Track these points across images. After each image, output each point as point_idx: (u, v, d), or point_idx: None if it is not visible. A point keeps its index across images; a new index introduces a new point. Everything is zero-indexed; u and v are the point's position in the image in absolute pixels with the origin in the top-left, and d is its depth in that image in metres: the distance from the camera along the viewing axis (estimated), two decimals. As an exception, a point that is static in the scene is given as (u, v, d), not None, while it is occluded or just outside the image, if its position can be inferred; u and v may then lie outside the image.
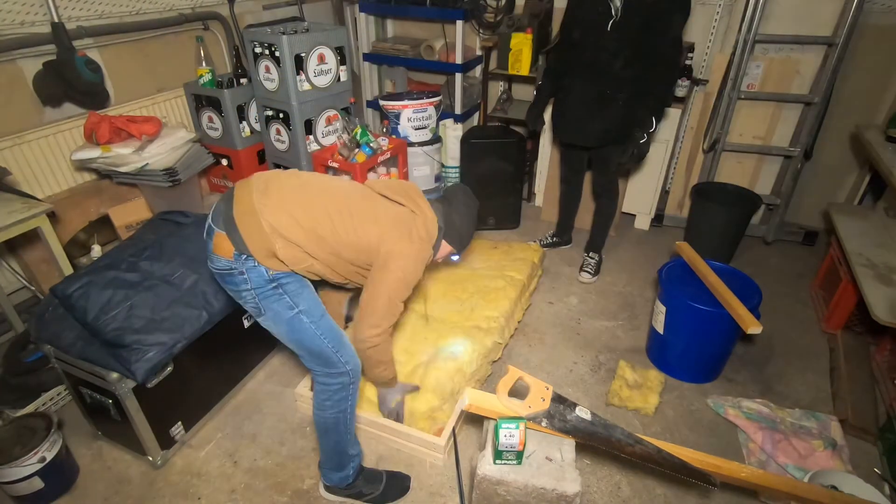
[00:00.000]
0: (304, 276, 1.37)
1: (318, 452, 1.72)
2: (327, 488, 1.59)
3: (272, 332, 1.39)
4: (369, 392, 1.77)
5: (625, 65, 2.06)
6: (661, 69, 2.06)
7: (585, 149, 2.41)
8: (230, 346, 1.89)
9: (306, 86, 2.34)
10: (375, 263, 1.38)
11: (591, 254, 2.68)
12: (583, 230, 2.88)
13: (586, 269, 2.64)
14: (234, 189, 1.34)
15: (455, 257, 1.62)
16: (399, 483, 1.64)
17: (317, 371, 1.41)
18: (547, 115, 2.53)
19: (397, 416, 1.72)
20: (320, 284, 1.58)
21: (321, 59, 2.35)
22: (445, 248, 1.54)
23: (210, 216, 1.33)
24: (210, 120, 2.57)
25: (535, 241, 2.80)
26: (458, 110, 3.25)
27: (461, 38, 3.04)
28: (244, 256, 1.27)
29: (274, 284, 1.31)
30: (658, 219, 3.12)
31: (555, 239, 2.90)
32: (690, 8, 2.00)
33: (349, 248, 1.35)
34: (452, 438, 1.71)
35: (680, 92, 2.71)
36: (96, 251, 2.23)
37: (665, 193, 3.22)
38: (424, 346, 1.94)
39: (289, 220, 1.28)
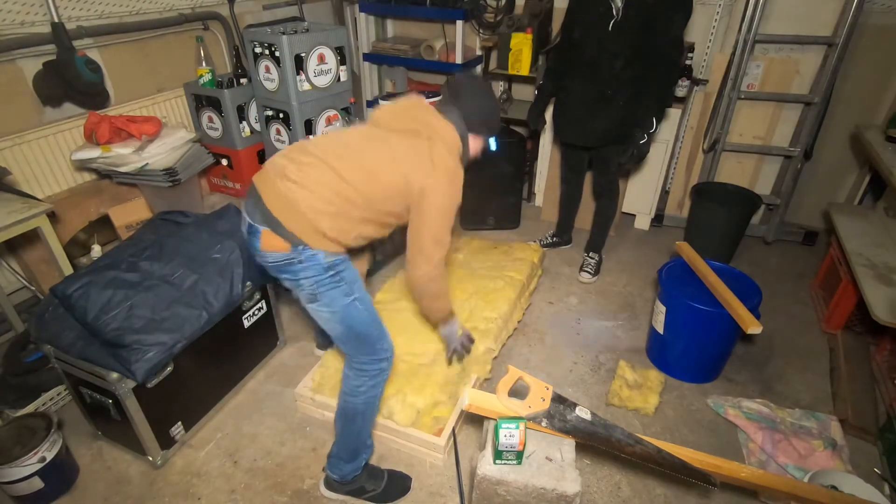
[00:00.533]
0: (356, 246, 1.40)
1: (317, 453, 1.71)
2: (329, 485, 1.59)
3: (318, 317, 1.41)
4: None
5: (625, 65, 2.05)
6: (661, 69, 2.06)
7: (586, 149, 2.41)
8: (230, 346, 1.89)
9: (306, 86, 2.34)
10: (412, 203, 1.38)
11: (591, 254, 2.68)
12: (583, 230, 2.88)
13: (586, 269, 2.64)
14: (255, 184, 1.36)
15: (492, 145, 1.60)
16: (400, 483, 1.64)
17: (358, 357, 1.44)
18: (548, 115, 2.53)
19: (466, 345, 1.76)
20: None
21: (321, 59, 2.35)
22: (476, 143, 1.52)
23: (246, 216, 1.36)
24: (210, 120, 2.57)
25: (535, 241, 2.80)
26: (458, 110, 3.24)
27: (461, 38, 3.04)
28: (300, 247, 1.30)
29: (332, 272, 1.34)
30: (658, 219, 3.12)
31: (555, 239, 2.90)
32: (692, 8, 2.00)
33: (383, 201, 1.36)
34: (452, 438, 1.71)
35: (680, 92, 2.71)
36: (96, 251, 2.23)
37: (665, 193, 3.22)
38: (426, 347, 1.94)
39: (319, 196, 1.29)
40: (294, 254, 1.30)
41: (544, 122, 2.55)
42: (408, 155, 1.36)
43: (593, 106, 2.18)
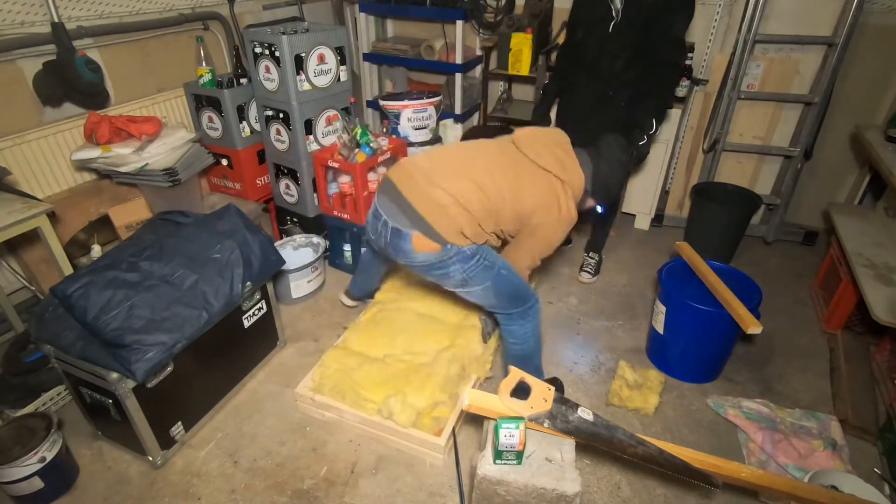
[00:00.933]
0: None
1: (317, 453, 1.72)
2: None
3: (472, 297, 1.58)
4: (367, 392, 1.77)
5: (626, 66, 2.06)
6: (662, 71, 2.06)
7: None
8: (230, 346, 1.89)
9: (306, 86, 2.33)
10: (524, 230, 1.58)
11: (591, 254, 2.68)
12: (583, 231, 2.89)
13: (586, 269, 2.64)
14: (397, 186, 1.50)
15: (599, 209, 1.75)
16: (559, 384, 1.90)
17: (515, 312, 1.61)
18: (551, 114, 2.55)
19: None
20: None
21: (321, 59, 2.35)
22: (589, 201, 1.70)
23: (388, 219, 1.50)
24: (210, 120, 2.57)
25: None
26: (458, 110, 3.25)
27: (461, 38, 3.04)
28: (449, 245, 1.46)
29: (477, 257, 1.51)
30: (658, 219, 3.12)
31: None
32: (693, 10, 2.00)
33: (509, 222, 1.55)
34: (452, 438, 1.71)
35: (680, 92, 2.71)
36: (96, 251, 2.22)
37: (665, 193, 3.22)
38: (426, 346, 1.95)
39: (465, 206, 1.45)
40: (443, 253, 1.47)
41: (549, 122, 2.57)
42: (544, 191, 1.53)
43: (595, 106, 2.19)
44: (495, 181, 1.49)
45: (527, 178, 1.52)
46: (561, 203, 1.52)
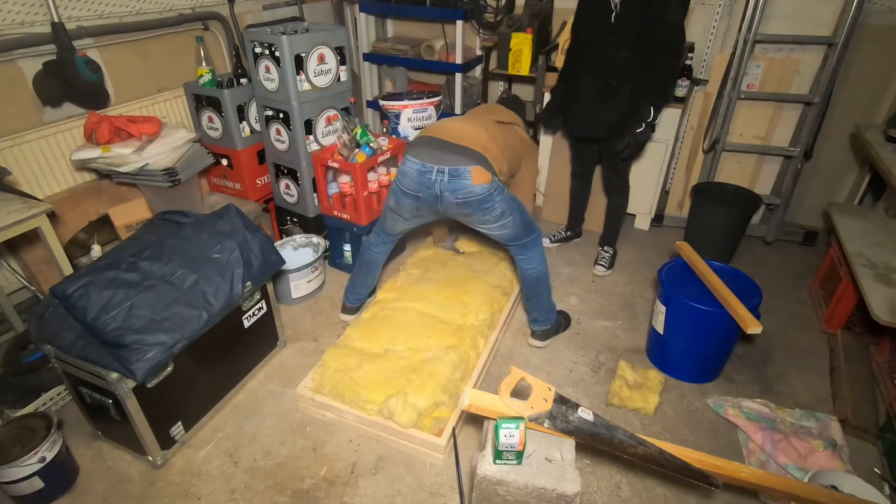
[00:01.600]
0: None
1: (317, 453, 1.72)
2: (541, 335, 2.17)
3: (504, 228, 1.86)
4: (367, 392, 1.77)
5: (629, 56, 2.10)
6: (661, 58, 2.09)
7: (596, 142, 2.45)
8: (230, 346, 1.89)
9: (306, 86, 2.33)
10: (521, 168, 2.13)
11: (605, 248, 2.71)
12: (596, 224, 2.92)
13: (601, 262, 2.67)
14: (434, 135, 1.81)
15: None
16: (567, 315, 2.31)
17: (528, 239, 1.93)
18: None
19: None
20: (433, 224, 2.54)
21: (321, 59, 2.35)
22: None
23: (442, 165, 1.72)
24: (210, 120, 2.57)
25: (544, 238, 2.88)
26: (458, 110, 3.25)
27: (461, 38, 3.04)
28: (495, 178, 1.75)
29: (506, 191, 1.82)
30: (658, 219, 3.12)
31: (567, 233, 2.94)
32: None
33: (516, 159, 2.03)
34: (452, 438, 1.71)
35: (680, 92, 2.72)
36: (96, 251, 2.22)
37: (665, 193, 3.22)
38: (428, 342, 1.95)
39: (483, 138, 1.82)
40: (493, 184, 1.74)
41: (559, 123, 2.59)
42: (516, 136, 2.09)
43: (601, 98, 2.22)
44: (493, 130, 1.89)
45: (507, 130, 2.03)
46: (527, 137, 2.20)
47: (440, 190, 1.75)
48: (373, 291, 2.37)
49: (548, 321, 2.14)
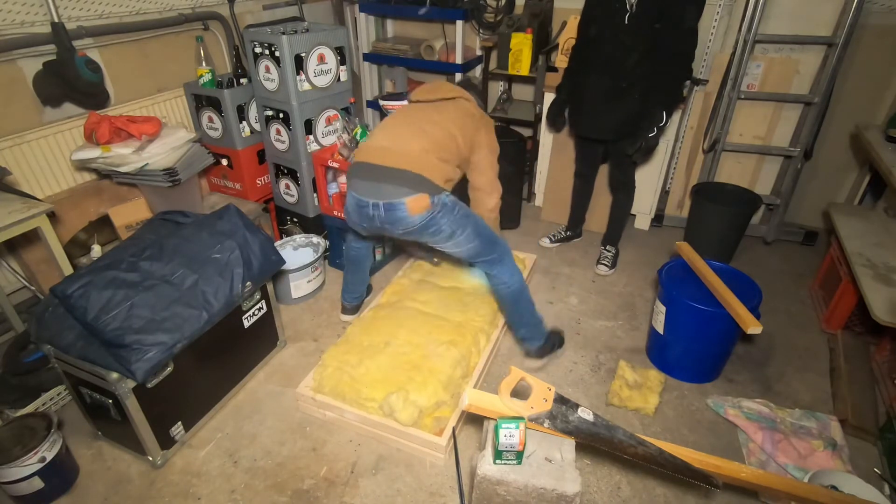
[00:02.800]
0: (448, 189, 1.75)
1: (317, 453, 1.72)
2: (533, 353, 2.03)
3: (458, 247, 1.73)
4: (368, 390, 1.77)
5: (641, 58, 2.09)
6: (674, 61, 2.09)
7: (601, 142, 2.45)
8: (230, 346, 1.89)
9: (306, 86, 2.33)
10: (475, 150, 1.85)
11: (608, 247, 2.71)
12: (599, 224, 2.93)
13: (603, 262, 2.67)
14: (369, 162, 1.66)
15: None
16: (561, 333, 2.14)
17: (492, 258, 1.80)
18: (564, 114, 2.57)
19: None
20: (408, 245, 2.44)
21: (321, 59, 2.35)
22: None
23: (376, 200, 1.62)
24: (210, 120, 2.57)
25: (544, 238, 2.92)
26: (458, 110, 3.24)
27: (461, 38, 3.04)
28: (435, 197, 1.61)
29: (457, 208, 1.68)
30: (658, 219, 3.12)
31: (567, 233, 2.94)
32: (705, 0, 2.04)
33: (466, 147, 1.79)
34: (452, 438, 1.70)
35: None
36: (96, 251, 2.22)
37: (665, 193, 3.22)
38: (428, 339, 1.95)
39: (426, 146, 1.67)
40: (433, 209, 1.61)
41: (564, 122, 2.58)
42: (464, 112, 1.84)
43: (610, 99, 2.22)
44: (438, 122, 1.75)
45: (451, 112, 1.82)
46: (476, 111, 1.91)
47: (380, 223, 1.67)
48: (369, 289, 2.37)
49: (538, 337, 2.00)
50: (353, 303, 2.32)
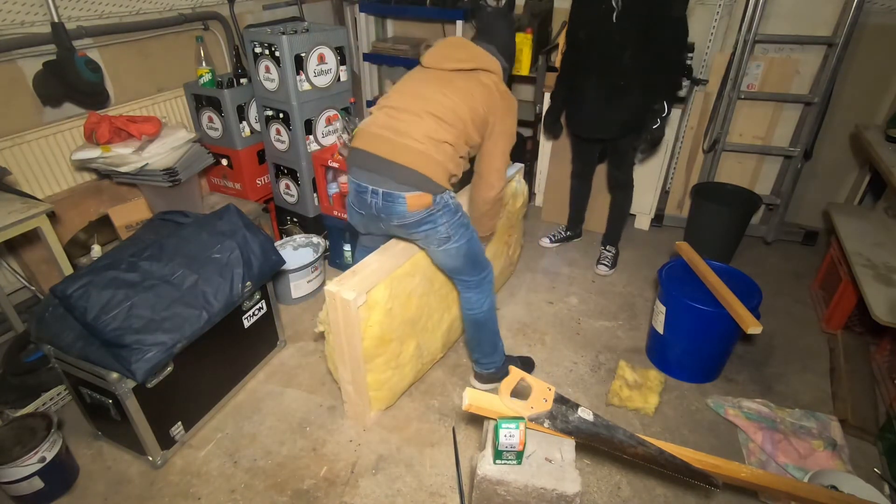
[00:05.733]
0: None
1: (317, 453, 1.72)
2: (481, 378, 1.94)
3: (446, 254, 1.64)
4: (374, 391, 1.77)
5: (634, 54, 2.10)
6: (668, 52, 2.09)
7: (599, 142, 2.45)
8: (230, 346, 1.89)
9: (306, 86, 2.33)
10: (487, 134, 1.63)
11: (607, 247, 2.72)
12: (598, 224, 2.93)
13: (603, 262, 2.68)
14: (371, 152, 1.52)
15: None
16: (528, 361, 2.06)
17: (472, 279, 1.72)
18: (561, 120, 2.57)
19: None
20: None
21: (321, 59, 2.35)
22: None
23: (376, 186, 1.53)
24: (210, 120, 2.57)
25: (544, 238, 2.94)
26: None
27: (461, 38, 3.04)
28: (438, 196, 1.53)
29: (459, 213, 1.61)
30: (658, 219, 3.12)
31: (567, 233, 2.95)
32: None
33: (473, 133, 1.58)
34: (452, 438, 1.71)
35: (680, 92, 2.72)
36: (96, 251, 2.22)
37: (665, 193, 3.22)
38: (430, 313, 1.92)
39: (434, 141, 1.50)
40: (434, 206, 1.53)
41: (561, 128, 2.59)
42: (480, 88, 1.57)
43: (609, 99, 2.22)
44: (447, 104, 1.53)
45: (462, 85, 1.57)
46: (499, 89, 1.61)
47: (377, 211, 1.58)
48: None
49: (490, 365, 1.91)
50: None
